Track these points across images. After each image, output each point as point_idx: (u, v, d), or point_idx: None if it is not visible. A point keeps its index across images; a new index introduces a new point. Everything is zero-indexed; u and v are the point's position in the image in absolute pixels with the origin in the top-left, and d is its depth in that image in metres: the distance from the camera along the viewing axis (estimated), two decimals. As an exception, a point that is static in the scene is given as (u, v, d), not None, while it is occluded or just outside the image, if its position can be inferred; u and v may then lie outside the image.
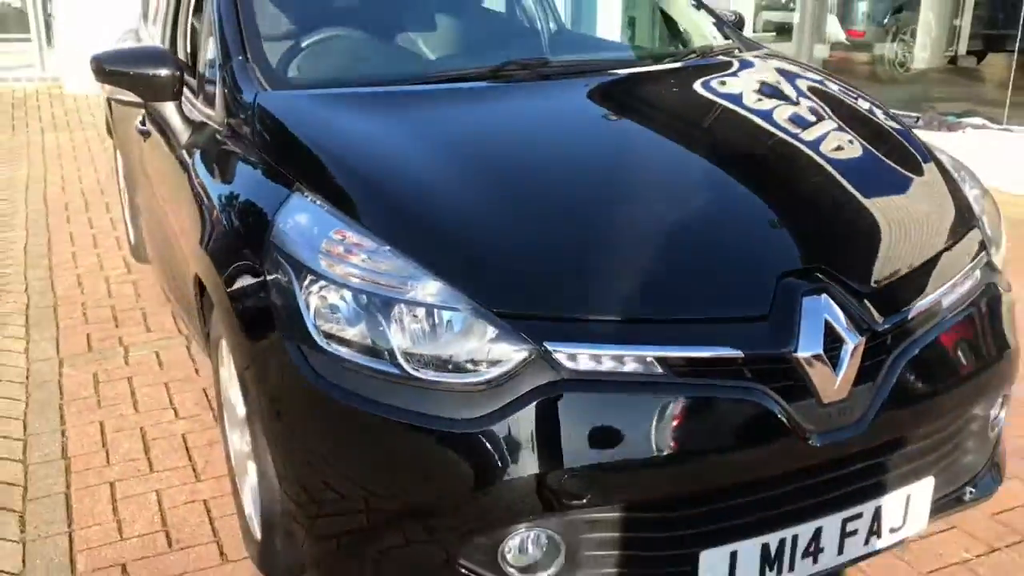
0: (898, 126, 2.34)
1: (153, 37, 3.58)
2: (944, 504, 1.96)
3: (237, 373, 1.97)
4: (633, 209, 1.84)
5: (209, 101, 2.48)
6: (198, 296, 2.31)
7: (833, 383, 1.67)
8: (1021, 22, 7.20)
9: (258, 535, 2.10)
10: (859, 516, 1.79)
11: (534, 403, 1.58)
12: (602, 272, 1.69)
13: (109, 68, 2.50)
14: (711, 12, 2.94)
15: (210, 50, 2.54)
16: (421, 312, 1.63)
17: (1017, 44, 7.24)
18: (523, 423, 1.58)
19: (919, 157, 2.19)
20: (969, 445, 2.01)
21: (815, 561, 1.77)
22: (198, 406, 3.07)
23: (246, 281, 1.88)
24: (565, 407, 1.58)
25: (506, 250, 1.70)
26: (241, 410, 2.06)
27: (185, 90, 2.56)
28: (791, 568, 1.75)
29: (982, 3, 9.39)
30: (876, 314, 1.72)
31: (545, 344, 1.59)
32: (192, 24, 2.95)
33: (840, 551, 1.80)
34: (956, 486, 1.99)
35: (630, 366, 1.60)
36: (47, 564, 2.26)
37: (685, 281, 1.71)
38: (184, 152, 2.48)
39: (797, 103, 2.36)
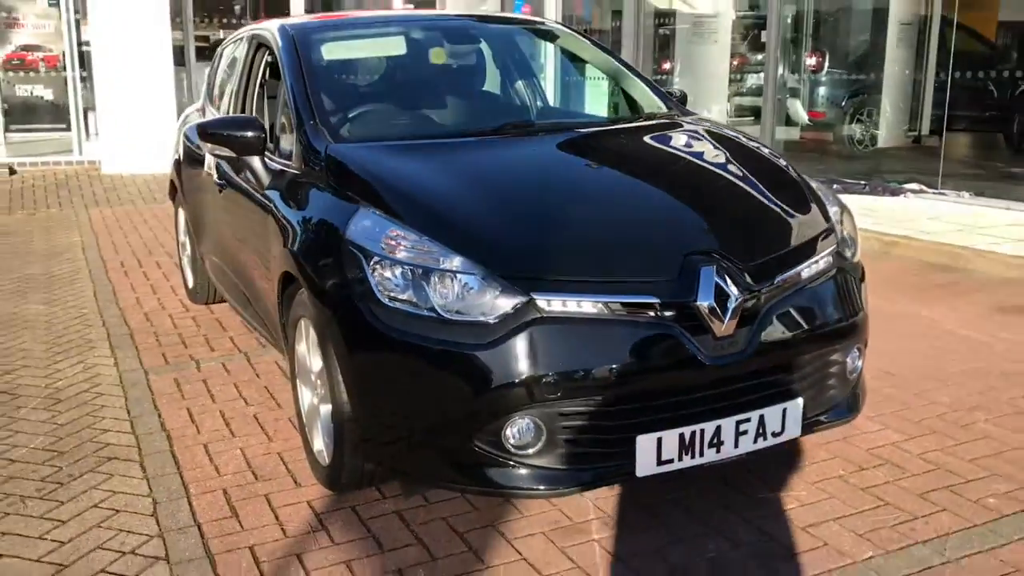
0: (782, 163, 3.28)
1: (221, 112, 4.57)
2: (813, 421, 2.81)
3: (318, 336, 2.84)
4: (589, 210, 2.78)
5: (285, 155, 3.43)
6: (280, 293, 3.20)
7: (722, 324, 2.55)
8: (946, 107, 8.33)
9: (327, 461, 2.94)
10: (748, 421, 2.64)
11: (524, 332, 2.46)
12: (568, 249, 2.60)
13: (211, 131, 3.45)
14: (657, 89, 3.94)
15: (284, 115, 3.50)
16: (449, 277, 2.53)
17: (944, 125, 8.38)
18: (517, 345, 2.45)
19: (793, 183, 3.13)
20: (832, 383, 2.88)
21: (718, 451, 2.62)
22: (262, 396, 3.92)
23: (327, 268, 2.77)
24: (543, 334, 2.46)
25: (504, 236, 2.61)
26: (317, 366, 2.93)
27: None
28: (701, 454, 2.60)
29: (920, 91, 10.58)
30: (751, 281, 2.62)
31: (531, 295, 2.48)
32: (261, 101, 3.94)
33: (736, 445, 2.64)
34: (822, 409, 2.85)
35: (587, 308, 2.49)
36: (168, 491, 3.09)
37: (624, 256, 2.61)
38: (268, 191, 3.40)
39: (709, 146, 3.33)
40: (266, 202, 3.39)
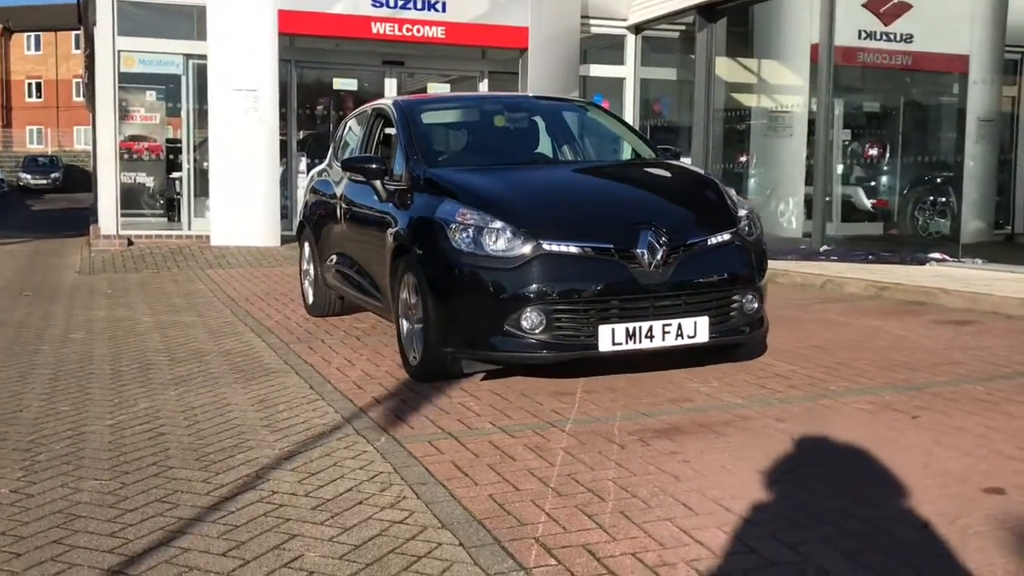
0: (714, 182, 6.00)
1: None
2: (719, 333, 5.40)
3: (416, 280, 5.61)
4: (578, 199, 5.57)
5: (396, 178, 6.31)
6: (391, 261, 5.99)
7: (651, 263, 5.23)
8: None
9: (417, 361, 5.67)
10: (671, 325, 5.27)
11: (535, 261, 5.19)
12: (563, 218, 5.35)
13: (350, 163, 6.39)
14: (652, 145, 6.74)
15: (397, 157, 6.40)
16: (493, 232, 5.29)
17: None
18: (529, 267, 5.17)
19: (716, 192, 5.82)
20: (734, 314, 5.49)
21: (651, 341, 5.25)
22: (370, 353, 6.68)
23: (425, 234, 5.57)
24: (546, 263, 5.19)
25: (525, 210, 5.38)
26: (414, 301, 5.69)
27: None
28: (639, 342, 5.22)
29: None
30: (670, 241, 5.30)
31: (539, 241, 5.22)
32: (378, 150, 6.89)
33: (663, 340, 5.27)
34: (726, 328, 5.45)
35: (573, 249, 5.21)
36: (319, 383, 5.83)
37: (597, 224, 5.34)
38: (385, 202, 6.26)
39: (667, 172, 6.10)
40: (384, 208, 6.25)
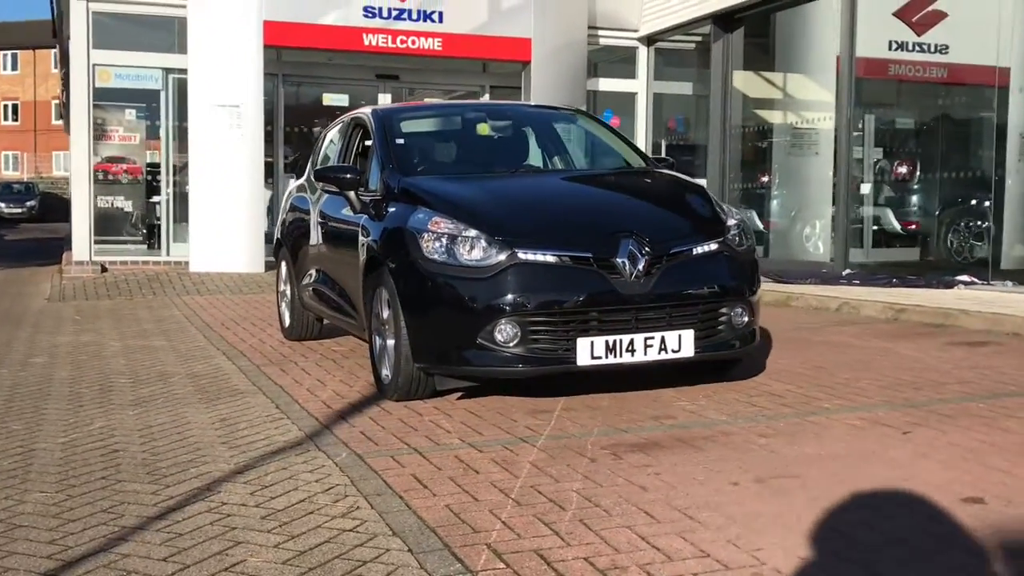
0: (702, 190, 6.24)
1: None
2: (705, 349, 5.61)
3: (388, 293, 5.84)
4: (561, 208, 5.82)
5: (371, 190, 6.56)
6: (365, 276, 6.23)
7: (632, 273, 5.45)
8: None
9: (389, 378, 5.89)
10: (653, 338, 5.48)
11: (508, 270, 5.41)
12: (540, 228, 5.58)
13: (324, 173, 6.65)
14: (642, 154, 6.98)
15: (372, 167, 6.66)
16: (468, 241, 5.52)
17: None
18: (504, 277, 5.39)
19: (703, 201, 6.05)
20: (722, 328, 5.70)
21: (632, 355, 5.45)
22: (343, 373, 6.90)
23: (397, 246, 5.81)
24: (519, 272, 5.41)
25: (501, 219, 5.61)
26: (386, 315, 5.92)
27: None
28: (620, 356, 5.43)
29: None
30: (653, 250, 5.52)
31: (514, 249, 5.45)
32: (356, 160, 7.15)
33: (645, 354, 5.47)
34: (712, 343, 5.65)
35: (549, 258, 5.44)
36: (286, 403, 6.06)
37: (576, 232, 5.56)
38: (359, 213, 6.51)
39: (652, 180, 6.35)
40: (358, 220, 6.50)
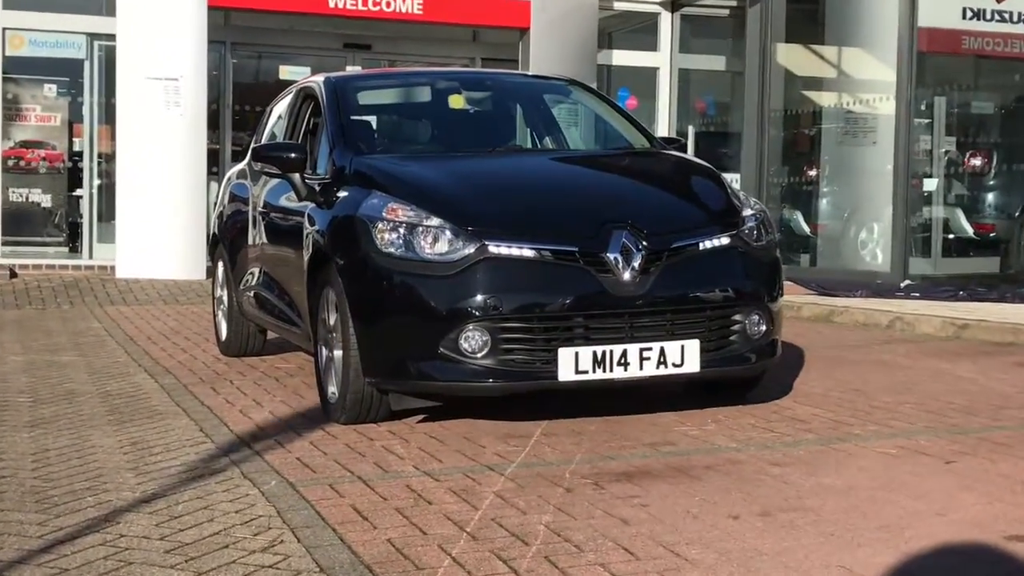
0: (714, 174, 6.31)
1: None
2: (713, 362, 5.66)
3: (335, 293, 5.90)
4: (543, 193, 5.93)
5: (319, 173, 6.63)
6: (310, 275, 6.29)
7: (626, 271, 5.51)
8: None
9: (336, 396, 5.94)
10: (651, 349, 5.53)
11: (477, 265, 5.47)
12: (517, 217, 5.65)
13: (264, 153, 6.73)
14: (645, 132, 7.06)
15: (322, 145, 6.73)
16: (431, 232, 5.59)
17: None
18: (472, 274, 5.46)
19: (715, 188, 6.13)
20: (735, 338, 5.75)
21: (625, 370, 5.51)
22: (286, 393, 6.96)
23: (347, 239, 5.87)
24: (491, 268, 5.47)
25: (469, 205, 5.68)
26: (333, 319, 5.98)
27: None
28: (611, 370, 5.48)
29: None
30: (651, 244, 5.58)
31: (484, 241, 5.51)
32: (305, 139, 7.24)
33: (641, 368, 5.53)
34: (723, 356, 5.71)
35: (527, 252, 5.50)
36: (213, 427, 6.12)
37: (559, 222, 5.64)
38: (306, 201, 6.58)
39: (656, 162, 6.44)
40: (303, 208, 6.57)
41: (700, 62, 17.44)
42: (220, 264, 8.67)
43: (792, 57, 15.68)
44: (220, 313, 8.74)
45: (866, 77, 15.37)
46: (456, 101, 7.37)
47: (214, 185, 15.45)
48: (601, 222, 5.64)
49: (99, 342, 9.73)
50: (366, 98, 7.21)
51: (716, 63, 17.55)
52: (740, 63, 15.78)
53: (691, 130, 17.31)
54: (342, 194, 6.20)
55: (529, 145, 7.38)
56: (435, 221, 5.63)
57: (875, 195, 14.32)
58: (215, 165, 15.58)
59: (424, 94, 7.62)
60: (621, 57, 16.97)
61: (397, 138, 7.12)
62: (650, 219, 5.72)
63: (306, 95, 7.53)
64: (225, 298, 8.55)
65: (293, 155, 6.71)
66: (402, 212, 5.71)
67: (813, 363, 7.59)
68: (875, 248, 14.42)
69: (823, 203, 15.36)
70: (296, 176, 6.75)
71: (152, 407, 6.68)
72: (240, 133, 16.44)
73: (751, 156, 15.00)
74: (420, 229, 5.62)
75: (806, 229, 14.99)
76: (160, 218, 14.22)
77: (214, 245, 8.87)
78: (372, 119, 7.11)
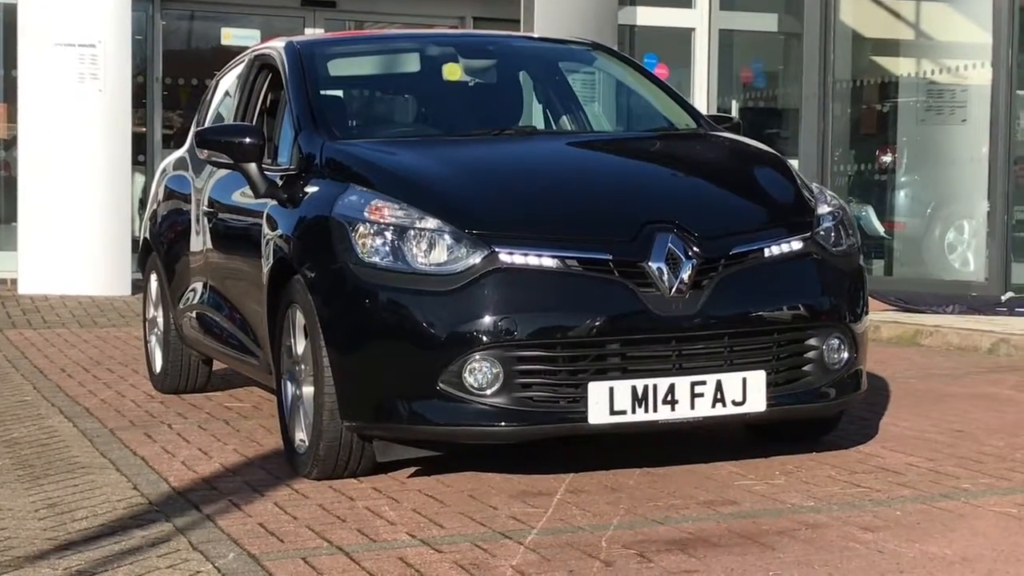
0: (780, 163, 6.25)
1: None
2: (782, 399, 5.59)
3: (303, 314, 5.81)
4: (566, 187, 5.87)
5: (279, 161, 6.56)
6: (271, 291, 6.21)
7: (673, 284, 5.44)
8: None
9: (306, 445, 5.85)
10: (704, 383, 5.46)
11: (485, 278, 5.40)
12: (534, 217, 5.58)
13: (210, 137, 6.65)
14: (690, 109, 7.01)
15: (284, 127, 6.66)
16: (425, 235, 5.52)
17: None
18: (478, 289, 5.39)
19: (782, 180, 6.07)
20: (808, 368, 5.68)
21: (672, 409, 5.43)
22: (239, 439, 6.88)
23: (318, 245, 5.80)
24: (502, 282, 5.40)
25: (474, 202, 5.62)
26: (302, 347, 5.90)
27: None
28: (655, 409, 5.41)
29: None
30: (704, 250, 5.51)
31: (494, 248, 5.44)
32: (261, 119, 7.17)
33: (692, 407, 5.45)
34: (794, 391, 5.63)
35: (548, 262, 5.43)
36: (147, 481, 6.03)
37: (588, 223, 5.57)
38: (265, 199, 6.50)
39: (708, 148, 6.39)
40: (262, 207, 6.50)
41: (746, 21, 17.40)
42: (153, 277, 8.60)
43: (861, 15, 15.62)
44: (153, 339, 8.67)
45: (954, 39, 15.34)
46: (452, 71, 7.29)
47: (139, 177, 15.44)
48: (640, 223, 5.57)
49: (7, 374, 9.64)
50: (339, 68, 7.15)
51: (766, 23, 17.50)
52: (797, 23, 15.74)
53: (734, 105, 17.26)
54: (311, 189, 6.13)
55: (544, 126, 7.29)
56: (431, 223, 5.56)
57: (966, 186, 14.24)
58: (141, 152, 15.56)
59: (412, 63, 7.56)
60: (648, 16, 16.85)
61: (379, 118, 7.07)
62: (702, 219, 5.66)
63: (262, 65, 7.46)
64: (160, 320, 8.47)
65: (248, 140, 6.59)
66: (388, 211, 5.64)
67: (902, 398, 7.53)
68: (966, 252, 14.33)
69: (900, 196, 15.29)
70: (252, 167, 6.67)
71: (71, 459, 6.59)
72: (172, 113, 16.42)
73: (810, 138, 14.94)
74: (412, 233, 5.55)
75: (879, 229, 14.90)
76: (73, 219, 14.13)
77: (145, 253, 8.80)
78: (347, 94, 7.01)
